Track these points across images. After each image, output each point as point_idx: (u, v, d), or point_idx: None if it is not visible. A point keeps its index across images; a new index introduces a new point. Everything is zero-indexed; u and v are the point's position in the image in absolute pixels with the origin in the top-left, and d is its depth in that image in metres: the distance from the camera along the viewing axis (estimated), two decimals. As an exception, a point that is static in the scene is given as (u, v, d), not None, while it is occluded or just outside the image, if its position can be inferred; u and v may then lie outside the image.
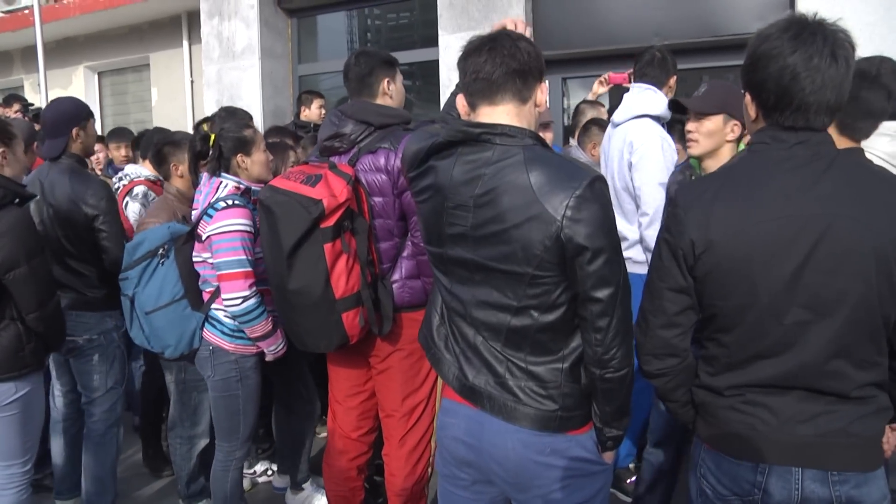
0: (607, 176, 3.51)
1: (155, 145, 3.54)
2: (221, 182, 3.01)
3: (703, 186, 1.72)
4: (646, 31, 5.37)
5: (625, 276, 1.74)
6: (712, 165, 2.73)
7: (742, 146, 2.79)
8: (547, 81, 1.88)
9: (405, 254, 2.77)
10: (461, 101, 1.88)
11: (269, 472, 4.14)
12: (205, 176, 3.09)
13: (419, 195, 1.93)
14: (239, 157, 3.03)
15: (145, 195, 4.02)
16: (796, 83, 1.56)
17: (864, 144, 2.51)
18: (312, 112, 5.94)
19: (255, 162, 3.06)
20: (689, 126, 2.81)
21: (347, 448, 3.02)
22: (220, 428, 3.17)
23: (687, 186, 1.79)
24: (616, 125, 3.63)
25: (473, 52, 1.80)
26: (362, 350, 2.86)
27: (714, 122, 2.75)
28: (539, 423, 1.81)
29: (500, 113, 1.80)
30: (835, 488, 1.61)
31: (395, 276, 2.77)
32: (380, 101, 2.84)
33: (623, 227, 3.45)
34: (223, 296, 2.87)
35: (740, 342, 1.65)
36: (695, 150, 2.82)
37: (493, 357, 1.85)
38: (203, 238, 2.93)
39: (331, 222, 2.54)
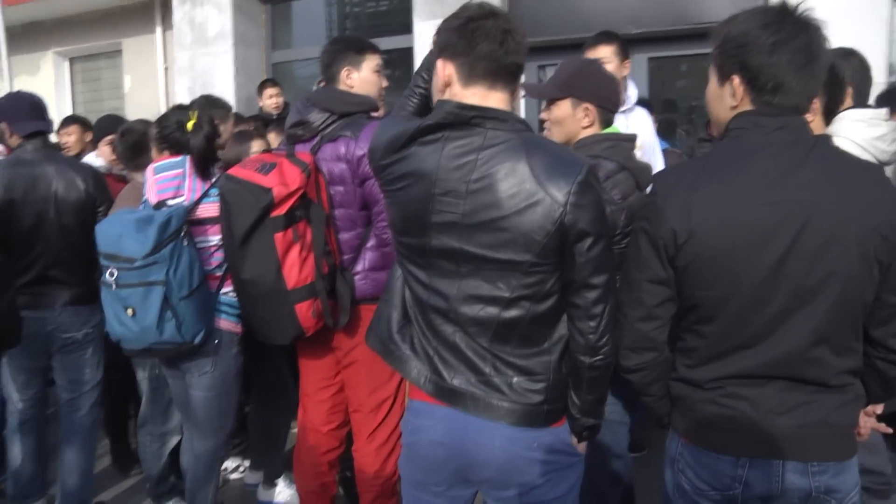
0: None
1: (131, 138, 3.46)
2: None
3: (680, 173, 1.68)
4: (621, 19, 5.35)
5: (615, 263, 1.74)
6: None
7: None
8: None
9: (369, 244, 2.71)
10: (443, 70, 1.76)
11: (241, 469, 4.07)
12: (189, 159, 2.95)
13: (396, 182, 1.81)
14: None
15: None
16: (798, 69, 1.56)
17: (842, 132, 2.62)
18: (264, 102, 5.87)
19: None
20: (542, 115, 2.62)
21: (318, 443, 2.97)
22: (209, 426, 3.05)
23: (664, 174, 1.75)
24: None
25: (489, 34, 1.68)
26: (330, 342, 2.80)
27: (562, 109, 2.48)
28: (527, 419, 1.77)
29: (495, 99, 1.73)
30: (814, 479, 1.61)
31: (358, 268, 2.71)
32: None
33: None
34: None
35: (722, 333, 1.62)
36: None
37: (476, 354, 1.79)
38: None
39: (282, 211, 2.50)
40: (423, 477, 1.94)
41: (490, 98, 1.73)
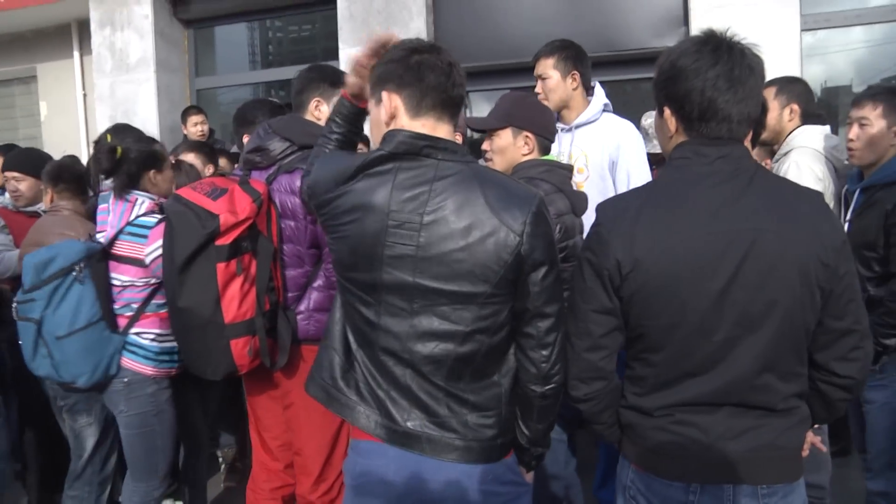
0: None
1: (74, 172, 3.34)
2: (137, 199, 2.85)
3: (624, 203, 1.69)
4: (544, 46, 5.44)
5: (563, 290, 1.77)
6: None
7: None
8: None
9: (316, 284, 2.61)
10: (389, 102, 1.75)
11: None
12: (113, 193, 2.87)
13: (343, 216, 1.75)
14: (151, 173, 2.93)
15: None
16: (720, 94, 1.59)
17: (804, 142, 2.92)
18: (189, 130, 5.74)
19: (165, 178, 2.99)
20: (484, 146, 2.72)
21: (271, 479, 2.86)
22: (137, 468, 2.95)
23: (608, 204, 1.75)
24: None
25: (435, 67, 1.72)
26: (275, 381, 2.71)
27: (503, 138, 2.62)
28: (483, 455, 1.76)
29: (443, 131, 1.76)
30: (764, 501, 1.63)
31: (302, 307, 2.60)
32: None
33: None
34: None
35: (669, 361, 1.63)
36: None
37: (430, 396, 1.75)
38: (148, 262, 2.74)
39: (227, 240, 2.41)
40: None
41: (438, 129, 1.74)
